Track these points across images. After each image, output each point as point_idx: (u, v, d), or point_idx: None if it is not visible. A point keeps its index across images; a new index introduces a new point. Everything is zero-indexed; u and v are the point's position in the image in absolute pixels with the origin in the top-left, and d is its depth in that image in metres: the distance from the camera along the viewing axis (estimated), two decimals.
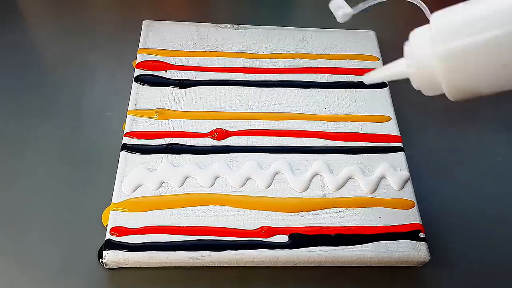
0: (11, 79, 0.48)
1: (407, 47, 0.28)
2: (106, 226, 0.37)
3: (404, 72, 0.30)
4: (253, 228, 0.38)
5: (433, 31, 0.27)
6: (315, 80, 0.48)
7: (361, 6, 0.39)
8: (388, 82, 0.48)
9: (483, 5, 0.25)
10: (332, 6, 0.40)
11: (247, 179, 0.40)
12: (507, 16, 0.23)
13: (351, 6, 0.39)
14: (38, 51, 0.52)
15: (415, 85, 0.29)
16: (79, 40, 0.52)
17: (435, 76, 0.27)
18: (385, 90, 0.48)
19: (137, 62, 0.47)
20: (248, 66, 0.48)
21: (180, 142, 0.42)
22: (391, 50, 0.53)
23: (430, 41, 0.27)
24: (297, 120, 0.44)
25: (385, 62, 0.50)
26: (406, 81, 0.53)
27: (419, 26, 0.29)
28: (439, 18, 0.27)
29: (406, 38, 0.29)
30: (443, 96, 0.53)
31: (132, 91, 0.45)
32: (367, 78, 0.33)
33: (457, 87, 0.27)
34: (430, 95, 0.29)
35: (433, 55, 0.26)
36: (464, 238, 0.42)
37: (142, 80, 0.45)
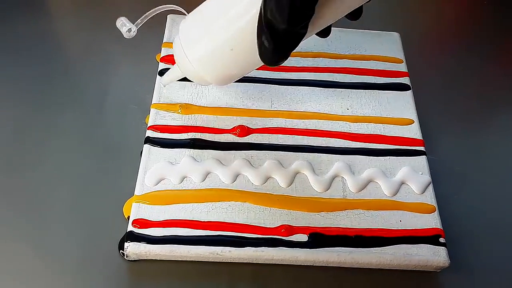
0: (36, 70, 0.48)
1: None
2: (127, 217, 0.38)
3: (180, 74, 0.38)
4: (273, 226, 0.38)
5: (182, 42, 0.35)
6: (339, 80, 0.48)
7: (140, 22, 0.44)
8: (411, 85, 0.48)
9: (211, 12, 0.33)
10: (117, 23, 0.44)
11: (268, 177, 0.40)
12: (225, 20, 0.32)
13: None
14: (62, 43, 0.52)
15: (191, 79, 0.37)
16: (104, 32, 0.52)
17: (198, 73, 0.35)
18: (409, 93, 0.47)
19: (161, 56, 0.47)
20: None
21: (203, 138, 0.42)
22: (415, 52, 0.53)
23: (183, 49, 0.35)
24: (319, 120, 0.44)
25: (408, 64, 0.50)
26: (429, 84, 0.53)
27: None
28: (184, 29, 0.35)
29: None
30: (466, 101, 0.53)
31: (156, 85, 0.45)
32: (162, 81, 0.42)
33: (216, 77, 0.35)
34: (204, 85, 0.39)
35: (188, 61, 0.35)
36: (484, 244, 0.42)
37: None
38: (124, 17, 0.44)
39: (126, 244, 0.36)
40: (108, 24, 0.53)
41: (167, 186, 0.39)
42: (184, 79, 0.44)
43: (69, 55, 0.51)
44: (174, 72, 0.40)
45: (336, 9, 0.30)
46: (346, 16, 0.31)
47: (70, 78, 0.48)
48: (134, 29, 0.44)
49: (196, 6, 0.50)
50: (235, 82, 0.46)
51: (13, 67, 0.48)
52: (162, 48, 0.48)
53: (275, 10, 0.25)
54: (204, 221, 0.37)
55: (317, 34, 0.33)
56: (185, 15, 0.37)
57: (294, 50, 0.48)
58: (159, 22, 0.50)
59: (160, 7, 0.43)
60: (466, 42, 0.58)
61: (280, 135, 0.43)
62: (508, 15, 0.62)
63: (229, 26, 0.31)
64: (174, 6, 0.44)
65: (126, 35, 0.43)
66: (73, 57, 0.51)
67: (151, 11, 0.44)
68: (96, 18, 0.54)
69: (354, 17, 0.32)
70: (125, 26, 0.43)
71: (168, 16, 0.51)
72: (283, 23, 0.26)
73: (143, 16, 0.44)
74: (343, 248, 0.37)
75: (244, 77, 0.46)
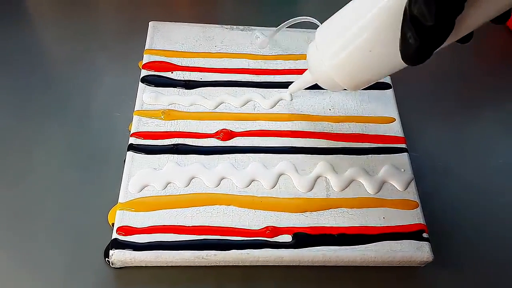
0: (19, 79, 0.48)
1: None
2: (112, 225, 0.38)
3: (311, 80, 0.40)
4: (258, 228, 0.38)
5: (319, 48, 0.35)
6: None
7: (273, 33, 0.49)
8: (392, 84, 0.49)
9: (348, 16, 0.33)
10: (252, 36, 0.49)
11: (252, 179, 0.41)
12: (364, 22, 0.31)
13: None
14: (45, 51, 0.52)
15: (322, 86, 0.38)
16: (86, 41, 0.52)
17: (332, 79, 0.36)
18: (390, 92, 0.48)
19: (143, 63, 0.47)
20: (254, 67, 0.48)
21: (186, 143, 0.42)
22: None
23: (319, 55, 0.35)
24: (302, 121, 0.45)
25: None
26: (410, 82, 0.53)
27: None
28: (320, 35, 0.35)
29: None
30: (447, 98, 0.54)
31: (138, 91, 0.45)
32: (289, 90, 0.44)
33: (351, 81, 0.35)
34: (334, 91, 0.40)
35: (324, 66, 0.35)
36: (467, 238, 0.42)
37: (149, 80, 0.46)
38: (258, 31, 0.49)
39: (111, 252, 0.36)
40: (90, 32, 0.53)
41: (151, 192, 0.39)
42: (168, 85, 0.46)
43: (52, 64, 0.51)
44: (304, 79, 0.41)
45: (485, 10, 0.29)
46: (491, 20, 0.30)
47: (52, 87, 0.48)
48: (267, 40, 0.48)
49: (178, 11, 0.51)
50: (219, 87, 0.47)
51: None
52: (144, 55, 0.48)
53: (423, 6, 0.25)
54: (189, 226, 0.37)
55: (458, 40, 0.32)
56: (318, 25, 0.37)
57: (277, 53, 0.50)
58: (141, 29, 0.51)
59: (293, 19, 0.46)
60: None
61: (263, 137, 0.43)
62: None
63: (368, 26, 0.31)
64: (308, 17, 0.46)
65: (259, 46, 0.48)
66: (55, 65, 0.51)
67: (284, 23, 0.47)
68: (79, 27, 0.54)
69: (500, 21, 0.30)
70: (259, 38, 0.48)
71: (149, 23, 0.51)
72: (430, 19, 0.26)
73: (277, 29, 0.48)
74: (327, 247, 0.38)
75: (226, 80, 0.47)
